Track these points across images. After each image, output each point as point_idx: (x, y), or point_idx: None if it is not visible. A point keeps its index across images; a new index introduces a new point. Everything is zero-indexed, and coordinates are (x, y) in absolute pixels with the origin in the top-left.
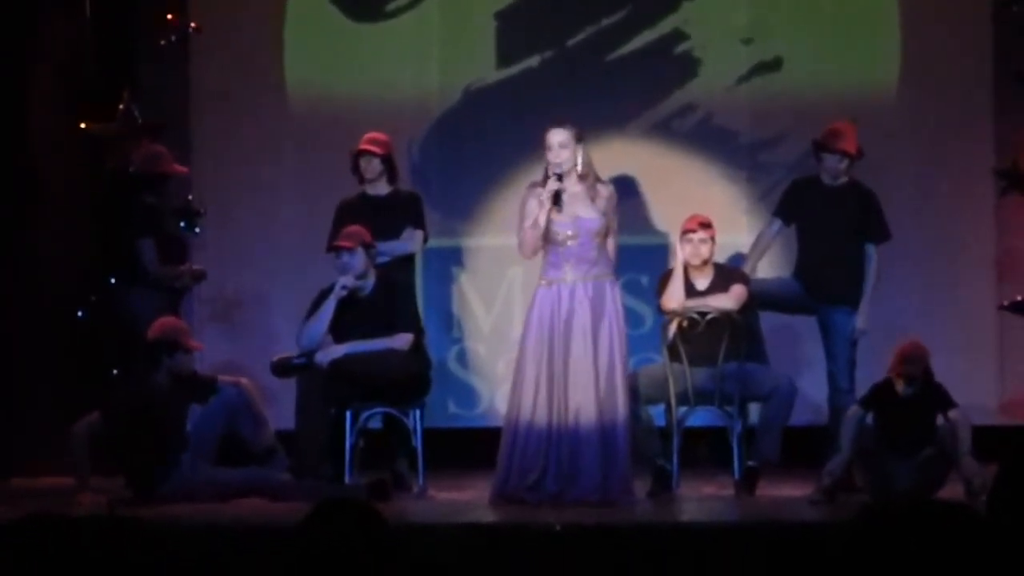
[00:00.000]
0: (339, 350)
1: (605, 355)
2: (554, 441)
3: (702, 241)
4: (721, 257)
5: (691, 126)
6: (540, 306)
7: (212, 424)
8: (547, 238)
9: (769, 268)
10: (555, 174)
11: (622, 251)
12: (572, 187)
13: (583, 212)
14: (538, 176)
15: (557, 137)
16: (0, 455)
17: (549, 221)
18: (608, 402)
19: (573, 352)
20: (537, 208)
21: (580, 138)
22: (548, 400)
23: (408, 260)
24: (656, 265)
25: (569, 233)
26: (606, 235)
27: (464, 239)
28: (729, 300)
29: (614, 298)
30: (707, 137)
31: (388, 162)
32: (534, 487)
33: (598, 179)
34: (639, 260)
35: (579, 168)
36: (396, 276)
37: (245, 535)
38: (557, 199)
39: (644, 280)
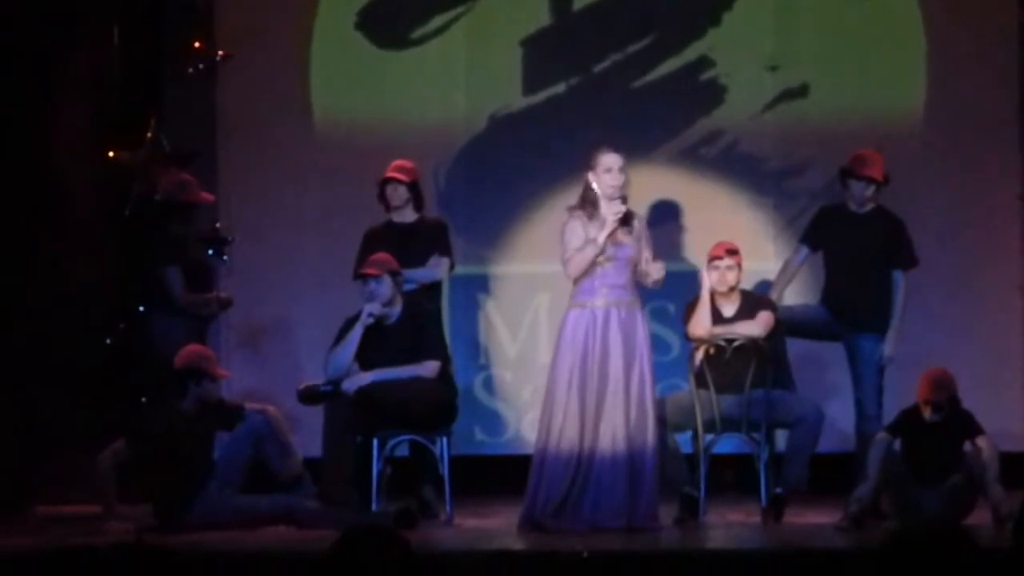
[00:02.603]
0: (366, 378)
1: (636, 383)
2: (583, 467)
3: (729, 268)
4: (748, 284)
5: (717, 153)
6: (573, 329)
7: (239, 451)
8: None
9: (796, 295)
10: (619, 197)
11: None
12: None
13: (622, 238)
14: (571, 200)
15: (618, 162)
16: (26, 483)
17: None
18: (638, 429)
19: (609, 379)
20: (583, 231)
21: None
22: (579, 425)
23: (435, 287)
24: (683, 292)
25: (608, 254)
26: (636, 264)
27: (490, 266)
28: (756, 327)
29: (644, 326)
30: (733, 164)
31: (414, 190)
32: (560, 513)
33: (633, 211)
34: (666, 287)
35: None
36: (423, 304)
37: (272, 563)
38: (627, 220)
39: (671, 307)
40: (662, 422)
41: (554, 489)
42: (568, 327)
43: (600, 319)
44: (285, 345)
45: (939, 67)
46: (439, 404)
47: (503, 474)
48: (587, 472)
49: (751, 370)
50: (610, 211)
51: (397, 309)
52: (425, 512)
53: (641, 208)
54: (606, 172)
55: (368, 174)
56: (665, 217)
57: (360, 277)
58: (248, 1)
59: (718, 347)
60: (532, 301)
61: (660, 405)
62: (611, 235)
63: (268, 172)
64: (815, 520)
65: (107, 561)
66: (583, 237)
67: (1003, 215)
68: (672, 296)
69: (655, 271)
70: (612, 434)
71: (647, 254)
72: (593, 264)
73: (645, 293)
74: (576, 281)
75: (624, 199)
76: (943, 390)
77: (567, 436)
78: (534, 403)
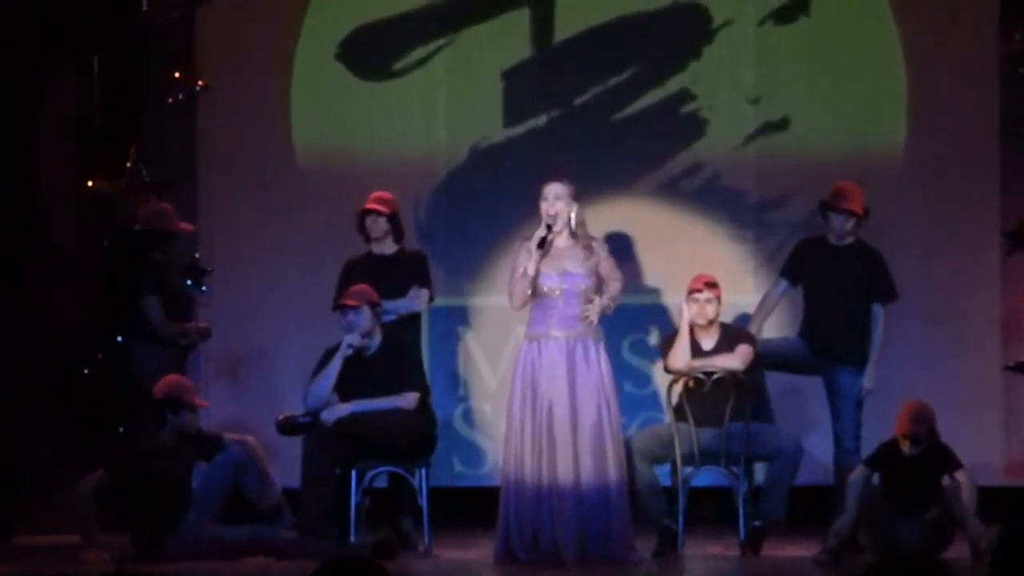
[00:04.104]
0: (345, 409)
1: (590, 415)
2: (545, 500)
3: (708, 301)
4: (727, 317)
5: (698, 186)
6: (523, 363)
7: (217, 481)
8: (534, 291)
9: (775, 328)
10: (546, 224)
11: (629, 311)
12: (563, 242)
13: (572, 268)
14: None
15: (554, 189)
16: (5, 512)
17: (537, 273)
18: (595, 462)
19: (556, 412)
20: (527, 259)
21: (576, 196)
22: (534, 459)
23: (414, 319)
24: (662, 325)
25: (555, 286)
26: (595, 294)
27: (470, 298)
28: (735, 360)
29: (599, 356)
30: (714, 197)
31: (394, 221)
32: (532, 546)
33: (591, 238)
34: (645, 319)
35: (572, 224)
36: (402, 335)
37: None
38: (542, 244)
39: (650, 339)
40: (630, 453)
41: (523, 522)
42: (519, 360)
43: (547, 352)
44: (264, 375)
45: (919, 100)
46: (418, 435)
47: (482, 506)
48: (550, 505)
49: (730, 403)
50: (534, 236)
51: (376, 340)
52: (403, 543)
53: (621, 240)
54: (543, 201)
55: (348, 205)
56: (645, 249)
57: (339, 308)
58: (228, 31)
59: (697, 380)
60: (511, 333)
61: (636, 436)
62: (539, 254)
63: (248, 202)
64: (794, 553)
65: None
66: (525, 264)
67: (982, 249)
68: (651, 328)
69: (595, 304)
70: (564, 467)
71: (605, 281)
72: (540, 295)
73: (625, 325)
74: (530, 312)
75: (550, 227)
76: (922, 424)
77: (525, 470)
78: None
